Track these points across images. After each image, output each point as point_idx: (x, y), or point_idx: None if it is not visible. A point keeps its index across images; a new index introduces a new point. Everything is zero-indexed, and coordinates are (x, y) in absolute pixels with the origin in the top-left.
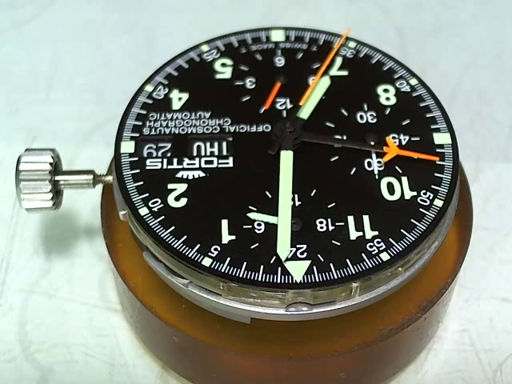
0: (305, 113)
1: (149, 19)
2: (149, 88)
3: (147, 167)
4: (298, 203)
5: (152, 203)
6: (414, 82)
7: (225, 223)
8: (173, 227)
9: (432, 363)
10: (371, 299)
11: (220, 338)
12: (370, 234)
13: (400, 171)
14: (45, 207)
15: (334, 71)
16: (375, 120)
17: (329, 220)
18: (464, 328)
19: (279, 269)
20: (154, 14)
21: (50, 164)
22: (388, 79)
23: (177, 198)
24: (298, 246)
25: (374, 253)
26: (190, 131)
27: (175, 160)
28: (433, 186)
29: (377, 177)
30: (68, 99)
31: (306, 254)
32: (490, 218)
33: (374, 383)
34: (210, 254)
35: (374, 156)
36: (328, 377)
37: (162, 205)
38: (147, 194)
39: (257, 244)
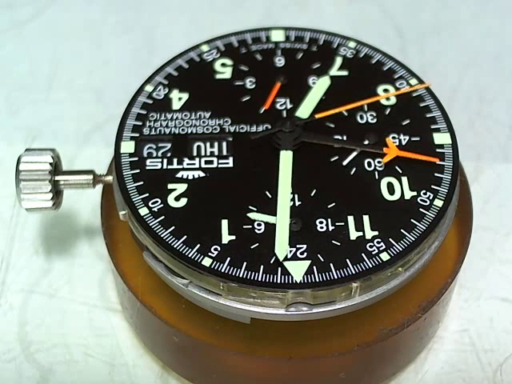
0: (304, 113)
1: (149, 19)
2: (149, 88)
3: (147, 167)
4: (298, 203)
5: (152, 203)
6: (413, 82)
7: (225, 223)
8: (173, 227)
9: (432, 363)
10: (371, 299)
11: (220, 338)
12: (369, 234)
13: (400, 171)
14: (45, 207)
15: (333, 71)
16: (375, 120)
17: (329, 220)
18: (464, 328)
19: (279, 269)
20: (154, 14)
21: (50, 164)
22: (388, 79)
23: (177, 198)
24: (297, 245)
25: (373, 253)
26: (189, 131)
27: (175, 160)
28: (433, 186)
29: (377, 177)
30: (68, 99)
31: (305, 253)
32: (490, 217)
33: (374, 383)
34: (209, 253)
35: (374, 156)
36: (328, 377)
37: (161, 205)
38: (147, 194)
39: (257, 244)
